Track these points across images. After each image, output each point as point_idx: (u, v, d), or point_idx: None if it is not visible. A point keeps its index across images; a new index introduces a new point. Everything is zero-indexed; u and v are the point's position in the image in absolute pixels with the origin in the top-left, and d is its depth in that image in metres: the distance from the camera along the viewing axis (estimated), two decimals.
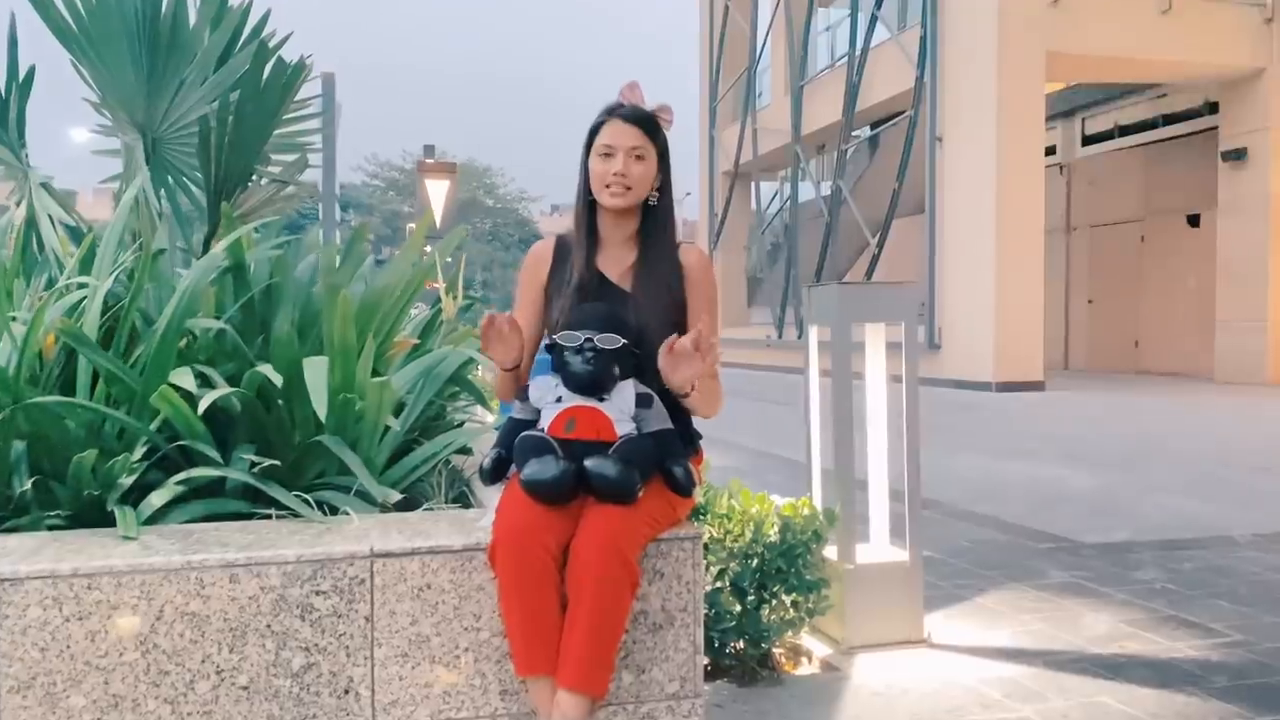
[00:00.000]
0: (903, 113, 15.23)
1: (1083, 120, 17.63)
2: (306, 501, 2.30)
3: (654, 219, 2.19)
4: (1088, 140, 17.61)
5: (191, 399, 2.31)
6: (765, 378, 15.47)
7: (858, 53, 16.22)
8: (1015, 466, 6.46)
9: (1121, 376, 15.65)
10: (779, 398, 11.31)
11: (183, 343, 2.49)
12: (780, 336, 18.69)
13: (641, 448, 1.94)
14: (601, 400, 1.97)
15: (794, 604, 2.61)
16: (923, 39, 14.22)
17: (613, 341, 1.97)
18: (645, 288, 2.13)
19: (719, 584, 2.60)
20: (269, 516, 2.31)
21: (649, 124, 2.14)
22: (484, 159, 66.08)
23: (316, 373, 2.30)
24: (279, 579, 1.95)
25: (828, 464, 2.94)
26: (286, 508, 2.28)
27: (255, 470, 2.35)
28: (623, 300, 2.12)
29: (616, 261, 2.18)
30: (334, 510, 2.35)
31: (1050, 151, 16.14)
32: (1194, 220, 15.53)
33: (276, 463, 2.33)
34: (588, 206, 2.19)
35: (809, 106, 18.29)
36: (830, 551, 2.81)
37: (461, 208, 44.73)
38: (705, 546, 2.49)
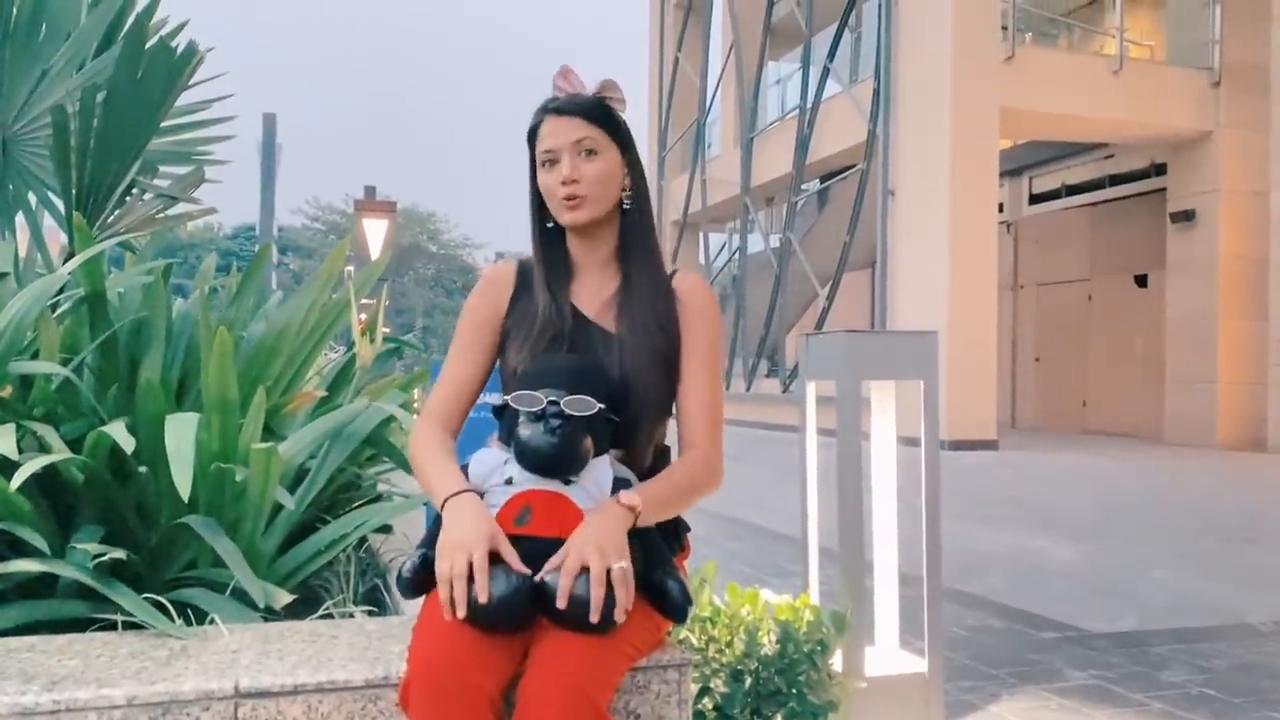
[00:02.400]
0: (854, 166, 15.04)
1: (1030, 179, 17.66)
2: (162, 606, 1.73)
3: (633, 231, 1.65)
4: (1035, 199, 17.62)
5: (12, 468, 1.74)
6: None
7: (809, 105, 16.07)
8: (989, 534, 6.03)
9: (1070, 436, 15.46)
10: (730, 452, 10.79)
11: (6, 392, 1.91)
12: (728, 388, 18.27)
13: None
14: (568, 484, 1.44)
15: None
16: (875, 92, 14.07)
17: (585, 406, 1.43)
18: (633, 325, 1.59)
19: (700, 705, 2.07)
20: (115, 624, 1.74)
21: (593, 109, 1.61)
22: (428, 205, 65.30)
23: (181, 434, 1.74)
24: None
25: (823, 540, 2.45)
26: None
27: (97, 562, 1.78)
28: (605, 343, 1.58)
29: (594, 292, 1.64)
30: (201, 616, 1.79)
31: (998, 209, 16.08)
32: (1142, 280, 15.51)
33: (121, 554, 1.75)
34: (544, 233, 1.65)
35: (759, 158, 18.08)
36: (834, 659, 2.29)
37: (404, 254, 44.01)
38: None
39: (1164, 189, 14.34)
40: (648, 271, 1.63)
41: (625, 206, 1.64)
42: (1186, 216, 13.61)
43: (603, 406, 1.45)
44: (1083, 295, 16.62)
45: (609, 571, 1.33)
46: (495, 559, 1.36)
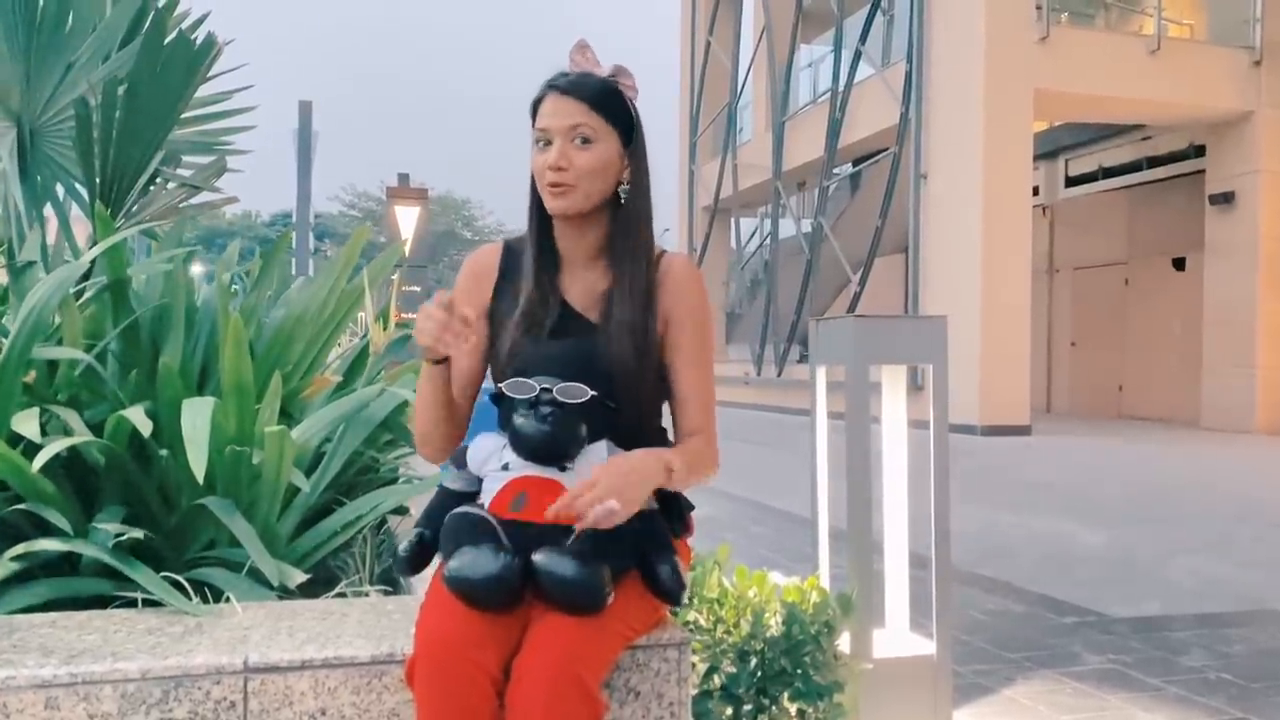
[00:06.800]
0: (886, 149, 14.92)
1: (1066, 161, 17.41)
2: (180, 585, 1.78)
3: (624, 226, 1.61)
4: (1071, 181, 17.38)
5: (36, 451, 1.80)
6: (744, 416, 15.00)
7: (841, 89, 15.95)
8: (1016, 519, 6.00)
9: (1106, 421, 15.28)
10: (759, 438, 10.84)
11: (30, 377, 1.98)
12: (759, 374, 18.24)
13: (614, 536, 1.43)
14: (563, 470, 1.46)
15: (799, 713, 2.10)
16: (908, 75, 13.94)
17: (578, 393, 1.45)
18: (617, 317, 1.57)
19: (706, 686, 2.10)
20: (135, 602, 1.80)
21: (598, 94, 1.56)
22: (462, 191, 65.64)
23: (197, 417, 1.79)
24: (115, 703, 1.43)
25: (834, 522, 2.46)
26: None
27: (118, 541, 1.84)
28: (590, 333, 1.57)
29: (582, 283, 1.62)
30: (219, 595, 1.84)
31: (1033, 192, 15.89)
32: (1179, 263, 15.27)
33: (140, 534, 1.81)
34: (539, 214, 1.62)
35: (790, 143, 17.99)
36: (842, 641, 2.31)
37: (439, 241, 44.30)
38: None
39: (1203, 171, 14.09)
40: (637, 269, 1.59)
41: (621, 200, 1.60)
42: (1226, 199, 13.37)
43: (595, 394, 1.46)
44: (1119, 279, 16.40)
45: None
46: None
